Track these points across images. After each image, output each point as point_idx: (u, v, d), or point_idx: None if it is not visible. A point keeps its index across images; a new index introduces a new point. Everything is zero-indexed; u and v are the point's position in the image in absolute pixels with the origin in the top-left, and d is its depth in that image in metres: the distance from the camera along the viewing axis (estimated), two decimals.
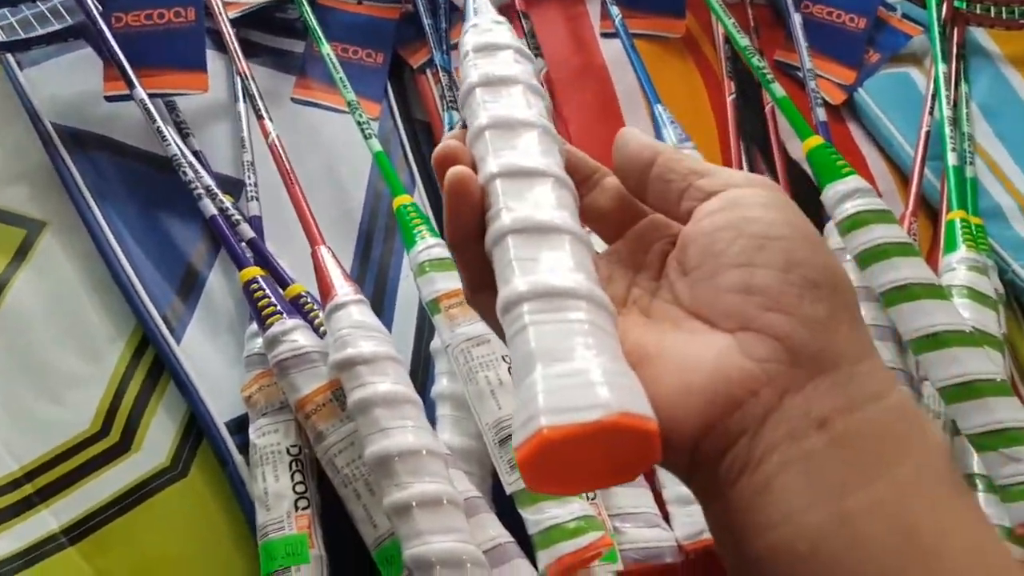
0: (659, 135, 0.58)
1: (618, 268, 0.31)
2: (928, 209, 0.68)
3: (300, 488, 0.44)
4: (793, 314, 0.25)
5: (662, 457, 0.24)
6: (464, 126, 0.33)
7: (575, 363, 0.24)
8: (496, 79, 0.32)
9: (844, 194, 0.52)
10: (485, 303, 0.30)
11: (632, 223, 0.32)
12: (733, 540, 0.25)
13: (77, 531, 0.48)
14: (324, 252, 0.49)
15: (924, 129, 0.66)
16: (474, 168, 0.30)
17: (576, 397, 0.23)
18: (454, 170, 0.29)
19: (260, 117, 0.57)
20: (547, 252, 0.27)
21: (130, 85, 0.56)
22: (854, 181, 0.52)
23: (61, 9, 0.66)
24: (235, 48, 0.61)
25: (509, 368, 0.48)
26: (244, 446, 0.49)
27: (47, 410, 0.53)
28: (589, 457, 0.23)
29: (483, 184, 0.29)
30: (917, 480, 0.24)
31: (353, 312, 0.45)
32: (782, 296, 0.25)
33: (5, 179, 0.62)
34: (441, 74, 0.67)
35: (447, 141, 0.31)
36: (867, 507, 0.23)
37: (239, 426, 0.50)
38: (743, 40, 0.60)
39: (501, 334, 0.27)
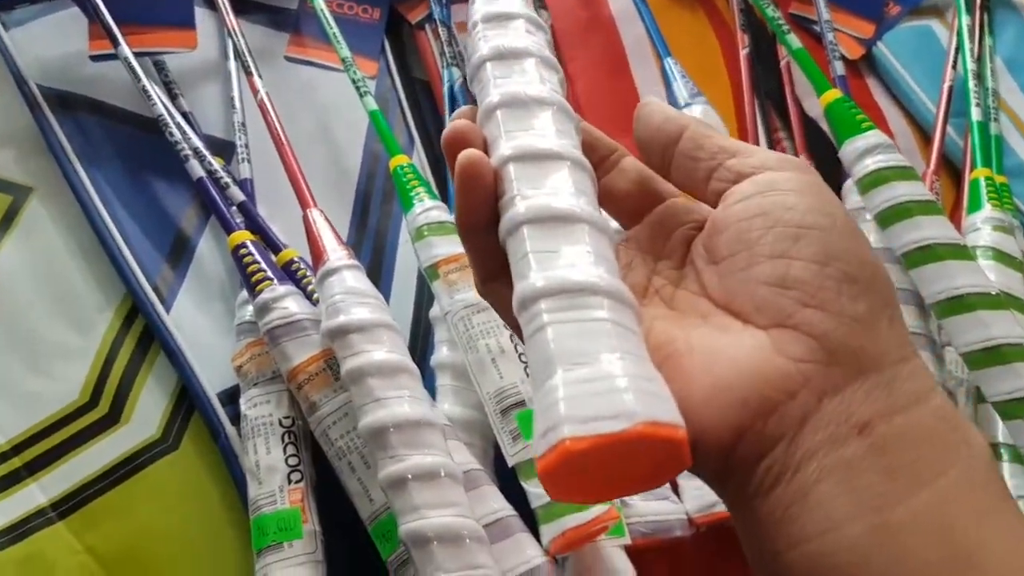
0: (669, 90, 0.56)
1: (637, 255, 0.30)
2: (950, 168, 0.65)
3: (293, 461, 0.42)
4: (831, 311, 0.23)
5: (692, 464, 0.22)
6: (474, 102, 0.30)
7: (598, 367, 0.22)
8: (507, 52, 0.30)
9: (864, 150, 0.49)
10: (498, 293, 0.28)
11: (652, 207, 0.30)
12: (766, 550, 0.23)
13: (66, 505, 0.47)
14: (316, 215, 0.47)
15: (947, 84, 0.63)
16: (486, 150, 0.28)
17: (600, 405, 0.21)
18: (465, 154, 0.27)
19: (249, 74, 0.54)
20: (566, 244, 0.25)
21: (115, 43, 0.54)
22: (874, 136, 0.49)
23: None
24: (224, 2, 0.58)
25: (511, 335, 0.46)
26: (236, 417, 0.47)
27: (34, 381, 0.51)
28: (614, 466, 0.22)
29: (496, 168, 0.27)
30: (962, 489, 0.22)
31: (346, 277, 0.43)
32: (819, 291, 0.24)
33: None
34: (440, 29, 0.64)
35: (456, 121, 0.29)
36: (910, 519, 0.22)
37: (231, 397, 0.48)
38: None
39: (517, 330, 0.25)
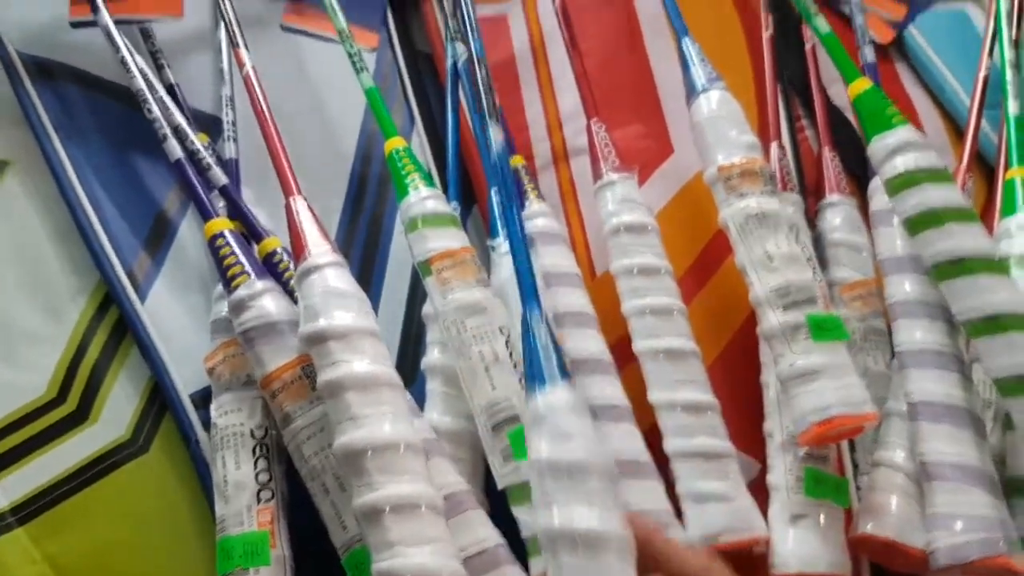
0: (686, 73, 0.51)
1: None
2: (984, 163, 0.61)
3: (263, 477, 0.39)
4: None
5: None
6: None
7: None
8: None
9: (894, 147, 0.45)
10: None
11: None
12: None
13: (27, 510, 0.44)
14: (299, 204, 0.43)
15: (982, 73, 0.59)
16: None
17: None
18: None
19: (235, 45, 0.50)
20: None
21: (94, 9, 0.50)
22: (906, 132, 0.45)
23: None
24: None
25: (506, 341, 0.43)
26: (210, 422, 0.44)
27: (1, 372, 0.48)
28: None
29: None
30: None
31: (328, 276, 0.39)
32: None
33: None
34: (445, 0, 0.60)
35: None
36: None
37: (206, 399, 0.45)
38: None
39: None
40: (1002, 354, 0.40)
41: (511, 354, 0.42)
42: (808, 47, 0.63)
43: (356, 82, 0.53)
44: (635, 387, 0.47)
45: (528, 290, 0.38)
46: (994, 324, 0.41)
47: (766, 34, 0.60)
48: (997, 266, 0.42)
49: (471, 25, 0.58)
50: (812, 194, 0.58)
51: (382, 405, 0.35)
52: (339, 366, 0.36)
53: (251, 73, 0.48)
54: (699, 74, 0.51)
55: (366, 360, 0.36)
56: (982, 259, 0.42)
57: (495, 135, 0.43)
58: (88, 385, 0.47)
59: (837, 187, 0.56)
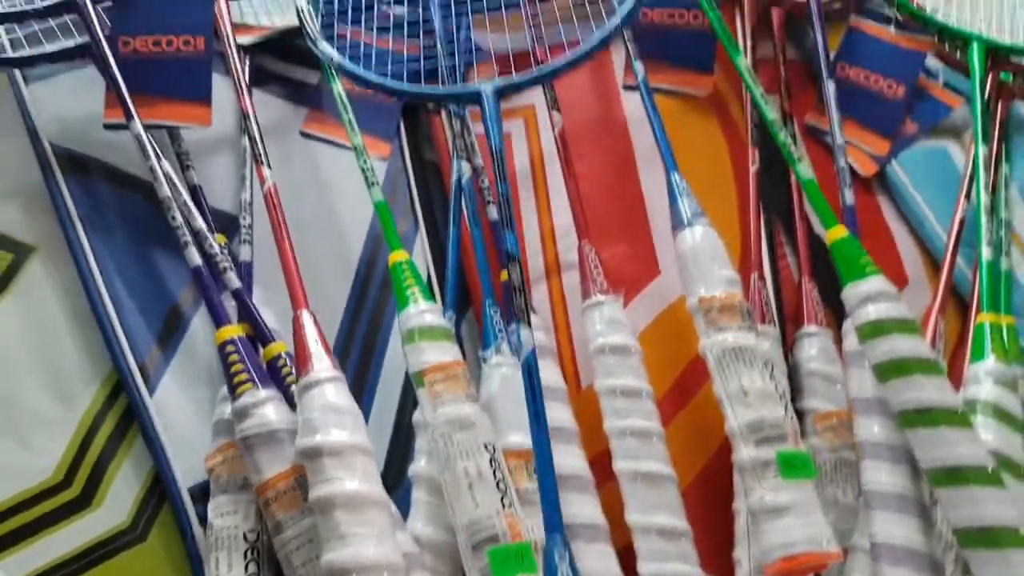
0: (673, 206, 0.55)
1: None
2: (959, 298, 0.64)
3: None
4: None
5: None
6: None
7: None
8: None
9: (866, 296, 0.48)
10: None
11: None
12: None
13: None
14: (306, 318, 0.46)
15: (958, 216, 0.62)
16: None
17: None
18: None
19: (259, 163, 0.54)
20: None
21: (128, 116, 0.54)
22: (878, 282, 0.49)
23: (71, 26, 0.63)
24: (241, 84, 0.58)
25: (491, 459, 0.45)
26: (206, 516, 0.46)
27: (11, 452, 0.51)
28: None
29: None
30: None
31: (327, 391, 0.42)
32: None
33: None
34: (454, 120, 0.64)
35: None
36: None
37: (204, 492, 0.48)
38: (771, 113, 0.57)
39: None
40: (962, 506, 0.43)
41: (494, 472, 0.44)
42: (794, 180, 0.66)
43: (366, 188, 0.56)
44: (615, 502, 0.50)
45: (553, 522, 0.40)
46: (955, 476, 0.43)
47: (752, 168, 0.64)
48: (960, 419, 0.45)
49: (474, 147, 0.62)
50: (791, 321, 0.62)
51: (369, 525, 0.37)
52: (331, 483, 0.38)
53: (272, 190, 0.52)
54: (685, 208, 0.54)
55: (356, 479, 0.39)
56: (946, 411, 0.45)
57: (525, 338, 0.45)
58: (93, 471, 0.50)
59: (814, 318, 0.59)
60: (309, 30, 0.55)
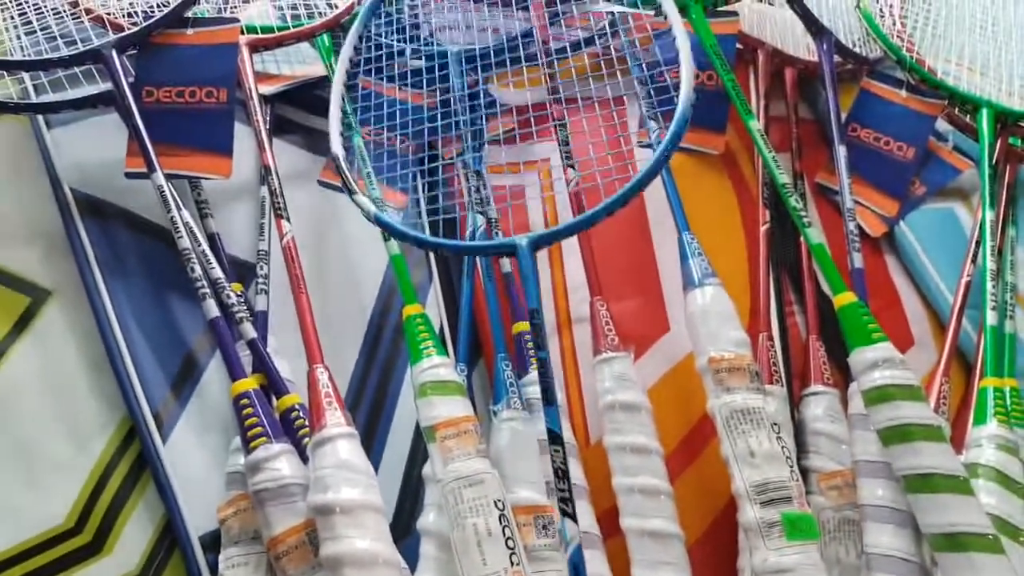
0: (684, 266, 0.56)
1: None
2: (963, 359, 0.65)
3: None
4: None
5: None
6: None
7: None
8: None
9: (872, 362, 0.49)
10: None
11: None
12: None
13: None
14: (320, 374, 0.47)
15: (964, 279, 0.63)
16: None
17: None
18: None
19: (279, 216, 0.55)
20: None
21: (150, 168, 0.55)
22: (884, 349, 0.49)
23: (95, 72, 0.65)
24: (262, 137, 0.59)
25: (500, 516, 0.46)
26: (217, 566, 0.47)
27: (25, 497, 0.51)
28: None
29: None
30: None
31: (340, 448, 0.43)
32: None
33: (18, 240, 0.62)
34: (470, 174, 0.65)
35: None
36: None
37: (215, 541, 0.48)
38: (782, 177, 0.58)
39: None
40: (961, 572, 0.43)
41: (504, 529, 0.45)
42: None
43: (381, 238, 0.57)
44: (621, 557, 0.50)
45: None
46: (955, 542, 0.44)
47: (763, 227, 0.65)
48: (961, 485, 0.45)
49: (489, 200, 0.64)
50: (799, 378, 0.62)
51: None
52: (341, 541, 0.39)
53: (291, 243, 0.53)
54: (696, 268, 0.55)
55: (367, 538, 0.39)
56: (947, 477, 0.45)
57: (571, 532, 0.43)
58: (105, 518, 0.50)
59: (821, 378, 0.60)
60: (348, 183, 0.55)
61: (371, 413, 0.59)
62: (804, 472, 0.56)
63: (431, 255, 0.67)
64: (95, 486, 0.52)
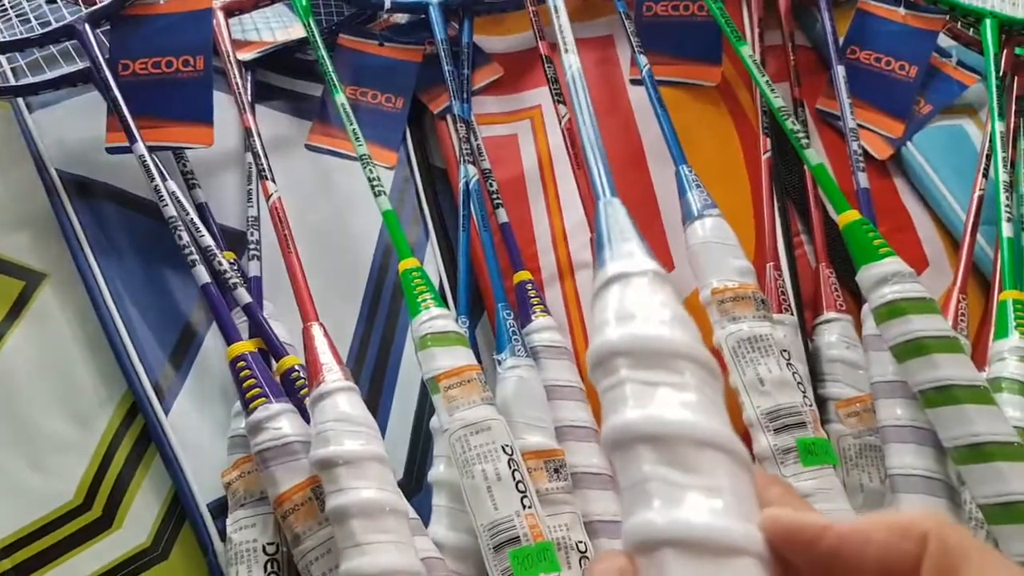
0: (683, 199, 0.54)
1: None
2: (981, 278, 0.63)
3: None
4: None
5: None
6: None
7: None
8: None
9: (880, 278, 0.47)
10: None
11: None
12: None
13: None
14: (315, 331, 0.46)
15: (977, 193, 0.61)
16: None
17: None
18: None
19: (263, 178, 0.54)
20: None
21: (131, 139, 0.54)
22: (892, 263, 0.48)
23: (72, 51, 0.64)
24: (242, 101, 0.58)
25: (509, 460, 0.45)
26: (225, 531, 0.46)
27: (30, 478, 0.51)
28: None
29: None
30: None
31: (339, 402, 0.42)
32: None
33: (8, 225, 0.61)
34: (459, 124, 0.64)
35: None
36: None
37: (223, 508, 0.48)
38: (777, 100, 0.56)
39: None
40: (987, 482, 0.42)
41: (513, 473, 0.44)
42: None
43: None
44: None
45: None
46: (979, 453, 0.42)
47: (764, 156, 0.63)
48: (982, 395, 0.44)
49: (481, 150, 0.62)
50: (810, 307, 0.61)
51: (386, 533, 0.37)
52: (346, 492, 0.38)
53: (277, 204, 0.52)
54: (695, 200, 0.54)
55: (372, 487, 0.38)
56: (966, 387, 0.44)
57: None
58: (113, 492, 0.50)
59: (833, 304, 0.58)
60: None
61: (375, 372, 0.59)
62: (822, 401, 0.55)
63: (425, 212, 0.65)
64: (101, 462, 0.51)
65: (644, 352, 0.26)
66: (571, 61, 0.41)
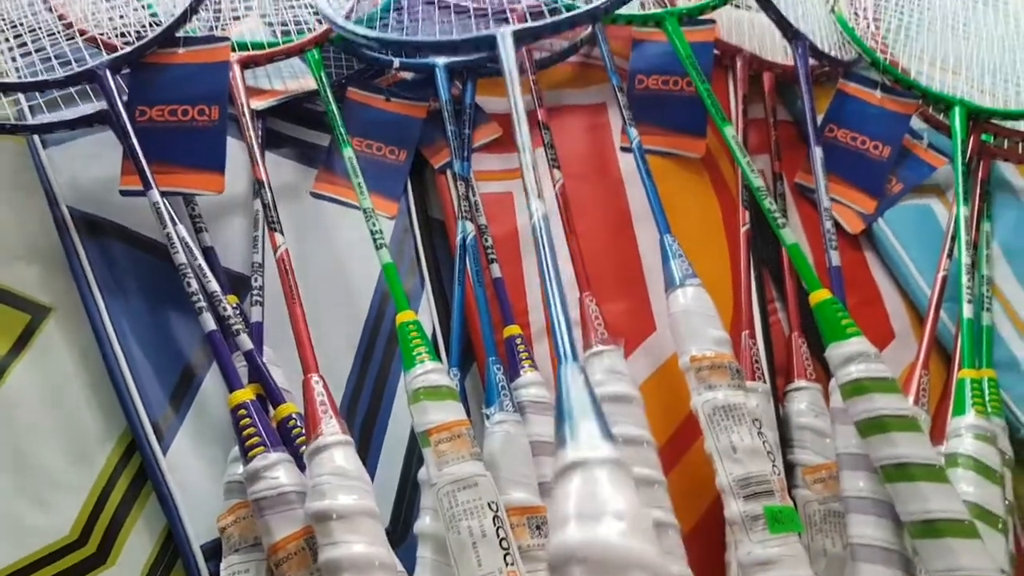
0: (666, 266, 0.57)
1: None
2: (943, 352, 0.67)
3: None
4: None
5: None
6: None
7: None
8: None
9: (847, 356, 0.51)
10: None
11: None
12: None
13: None
14: (315, 382, 0.49)
15: (941, 274, 0.65)
16: None
17: None
18: None
19: (272, 229, 0.57)
20: None
21: (146, 185, 0.57)
22: (858, 343, 0.51)
23: (89, 91, 0.66)
24: (255, 152, 0.61)
25: (494, 517, 0.47)
26: (218, 574, 0.48)
27: (28, 512, 0.52)
28: None
29: None
30: None
31: (335, 456, 0.44)
32: None
33: (17, 258, 0.63)
34: (459, 183, 0.67)
35: None
36: None
37: (216, 550, 0.50)
38: (756, 180, 0.60)
39: None
40: (938, 557, 0.45)
41: (498, 531, 0.46)
42: None
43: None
44: None
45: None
46: (931, 528, 0.46)
47: (743, 228, 0.67)
48: (936, 473, 0.47)
49: (478, 206, 0.65)
50: (782, 373, 0.64)
51: None
52: (339, 547, 0.40)
53: (284, 257, 0.54)
54: (677, 269, 0.57)
55: (364, 542, 0.41)
56: (922, 466, 0.47)
57: None
58: (109, 529, 0.52)
59: (804, 373, 0.61)
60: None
61: (367, 419, 0.61)
62: (790, 466, 0.58)
63: (423, 262, 0.68)
64: (98, 498, 0.53)
65: (602, 563, 0.30)
66: (537, 206, 0.44)
